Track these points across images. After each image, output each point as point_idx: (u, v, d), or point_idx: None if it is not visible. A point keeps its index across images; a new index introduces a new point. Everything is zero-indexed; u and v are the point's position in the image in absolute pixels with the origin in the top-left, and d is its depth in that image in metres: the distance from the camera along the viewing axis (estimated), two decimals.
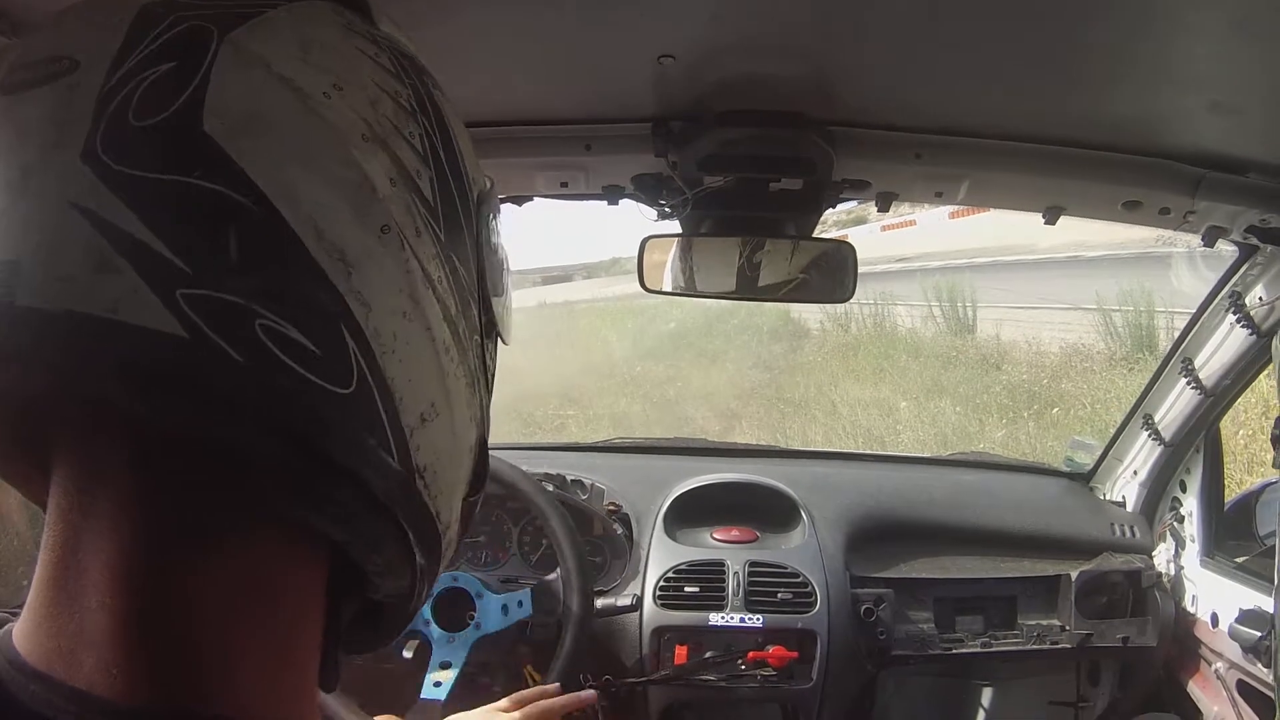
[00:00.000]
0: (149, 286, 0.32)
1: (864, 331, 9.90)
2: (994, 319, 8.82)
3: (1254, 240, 1.15)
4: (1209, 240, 1.17)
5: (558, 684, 1.14)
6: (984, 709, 1.65)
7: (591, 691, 1.13)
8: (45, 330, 0.32)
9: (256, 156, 0.34)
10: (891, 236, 14.27)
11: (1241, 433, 4.42)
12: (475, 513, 0.47)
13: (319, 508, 0.37)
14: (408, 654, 1.29)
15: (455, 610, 1.21)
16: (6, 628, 0.35)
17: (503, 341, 0.49)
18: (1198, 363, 1.45)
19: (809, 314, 10.55)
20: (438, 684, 1.20)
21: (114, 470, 0.35)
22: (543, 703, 1.05)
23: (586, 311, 14.46)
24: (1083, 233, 9.40)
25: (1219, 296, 1.36)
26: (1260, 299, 1.29)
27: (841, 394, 7.39)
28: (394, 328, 0.37)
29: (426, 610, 1.21)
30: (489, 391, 0.48)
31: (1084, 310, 7.73)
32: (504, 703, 1.02)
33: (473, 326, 0.43)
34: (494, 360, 0.49)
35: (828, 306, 9.47)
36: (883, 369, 8.17)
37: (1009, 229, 10.98)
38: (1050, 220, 1.16)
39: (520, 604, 1.21)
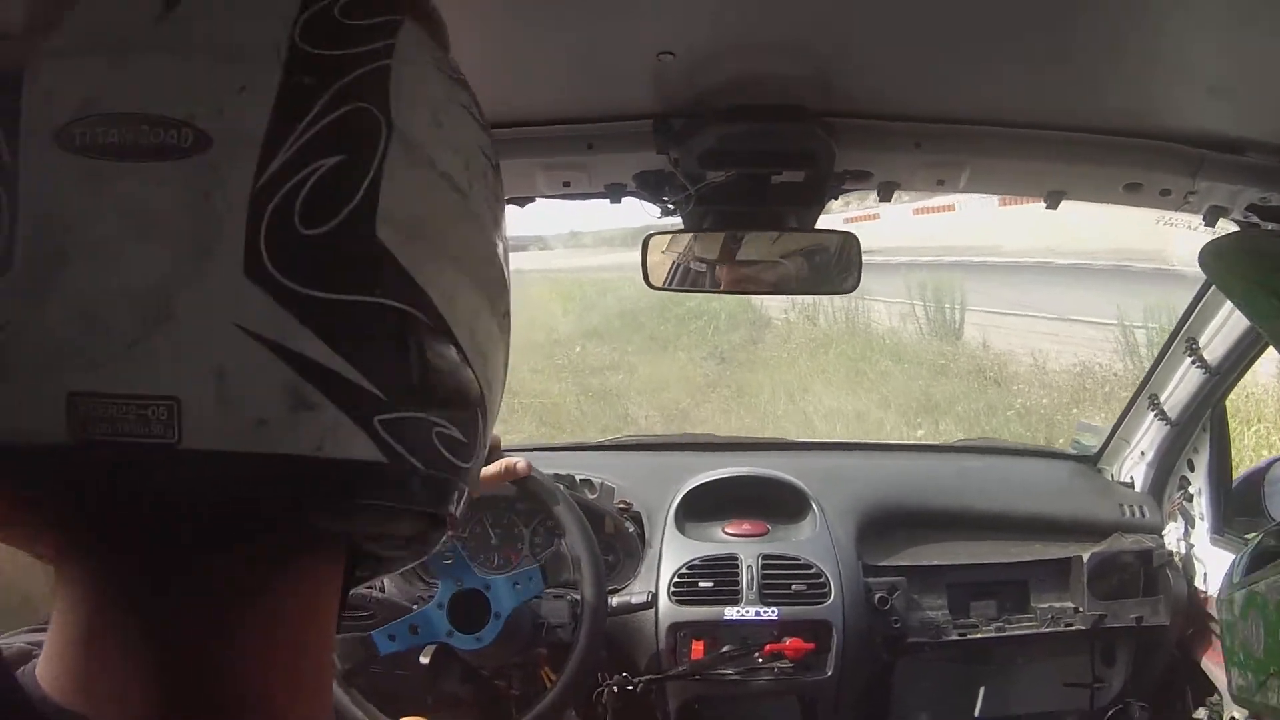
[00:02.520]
0: (350, 419, 0.30)
1: (835, 327, 8.93)
2: (977, 323, 7.98)
3: (1255, 219, 1.15)
4: (1210, 220, 1.17)
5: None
6: (999, 693, 1.65)
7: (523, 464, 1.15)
8: (234, 473, 0.29)
9: (425, 264, 0.32)
10: (855, 229, 13.68)
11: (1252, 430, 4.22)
12: None
13: (385, 544, 0.38)
14: (424, 659, 1.30)
15: (472, 612, 1.22)
16: (32, 663, 0.33)
17: None
18: (1202, 342, 1.46)
19: (772, 302, 9.44)
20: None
21: (147, 552, 0.32)
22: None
23: (539, 281, 13.24)
24: (1052, 239, 8.87)
25: None
26: None
27: (814, 402, 6.45)
28: (499, 401, 0.39)
29: (446, 621, 1.21)
30: None
31: (1073, 321, 7.05)
32: None
33: None
34: None
35: (793, 296, 9.16)
36: (860, 373, 7.20)
37: (975, 229, 10.42)
38: (1052, 205, 1.17)
39: (531, 578, 1.22)
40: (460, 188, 0.35)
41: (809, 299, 8.76)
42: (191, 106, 0.29)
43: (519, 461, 1.13)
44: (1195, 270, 1.19)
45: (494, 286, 0.37)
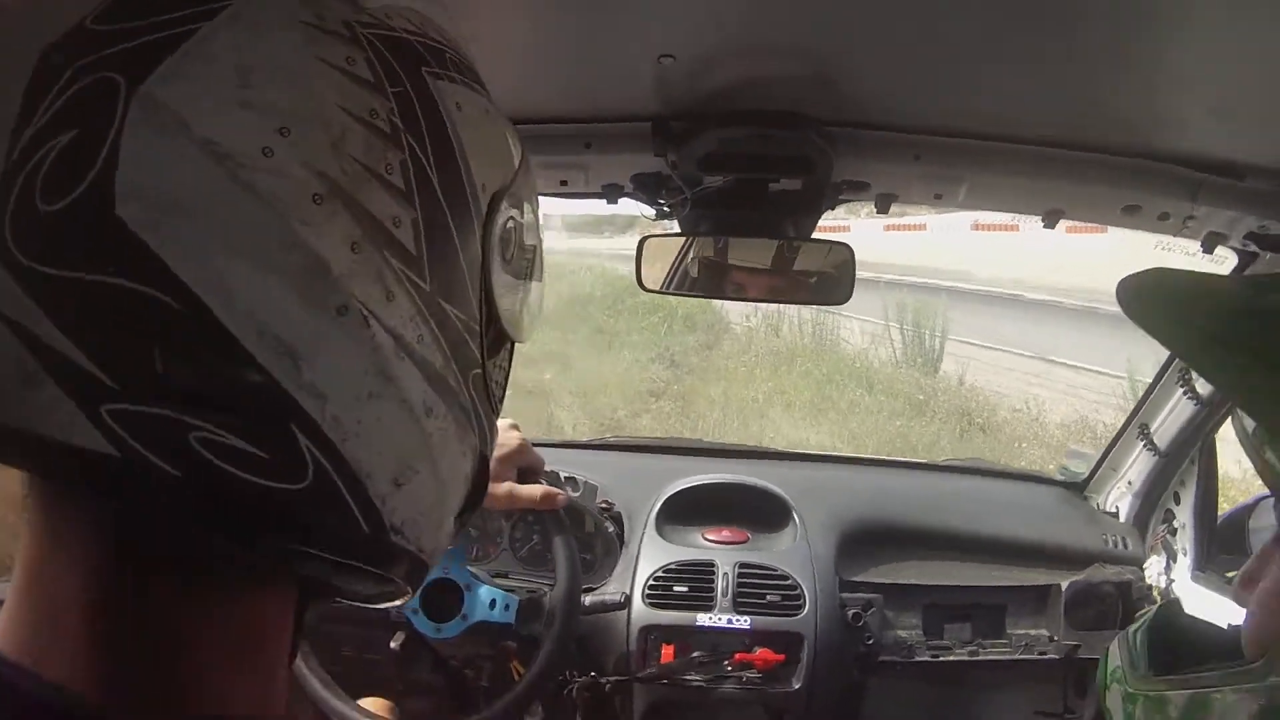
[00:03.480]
0: (74, 402, 0.29)
1: (799, 341, 8.26)
2: (952, 353, 7.37)
3: (1252, 247, 1.15)
4: (1208, 246, 1.16)
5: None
6: (970, 717, 1.64)
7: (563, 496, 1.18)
8: None
9: (179, 245, 0.30)
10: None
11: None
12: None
13: (283, 569, 0.37)
14: (395, 645, 1.29)
15: (444, 601, 1.22)
16: None
17: (517, 341, 0.45)
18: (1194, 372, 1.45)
19: (733, 306, 8.47)
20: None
21: (83, 511, 0.34)
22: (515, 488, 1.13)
23: None
24: (1020, 271, 8.70)
25: None
26: None
27: (771, 429, 5.79)
28: (357, 413, 0.33)
29: (416, 601, 1.21)
30: (497, 407, 0.44)
31: (1053, 363, 6.64)
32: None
33: (469, 363, 0.39)
34: (505, 369, 0.45)
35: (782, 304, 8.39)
36: (826, 398, 6.46)
37: (945, 251, 10.16)
38: (1050, 224, 1.16)
39: (507, 607, 1.22)
40: (231, 156, 0.30)
41: (774, 307, 8.18)
42: None
43: (560, 494, 1.16)
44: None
45: (307, 276, 0.31)
